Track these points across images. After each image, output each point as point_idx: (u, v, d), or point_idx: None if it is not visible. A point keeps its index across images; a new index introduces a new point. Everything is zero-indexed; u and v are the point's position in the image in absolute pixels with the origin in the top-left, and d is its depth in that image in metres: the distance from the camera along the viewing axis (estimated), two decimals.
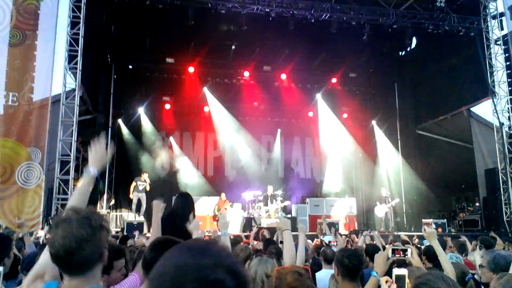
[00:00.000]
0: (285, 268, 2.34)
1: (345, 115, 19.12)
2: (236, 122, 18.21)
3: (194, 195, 14.30)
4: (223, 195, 14.17)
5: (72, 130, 10.92)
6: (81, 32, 11.25)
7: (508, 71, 13.69)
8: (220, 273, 0.86)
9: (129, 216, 14.78)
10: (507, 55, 13.78)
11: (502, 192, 13.24)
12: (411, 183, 16.67)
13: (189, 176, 17.14)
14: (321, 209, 15.07)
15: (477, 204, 14.49)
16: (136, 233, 8.39)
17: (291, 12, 12.75)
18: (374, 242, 6.40)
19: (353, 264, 2.88)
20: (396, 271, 2.26)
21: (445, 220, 14.29)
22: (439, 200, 16.25)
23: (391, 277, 2.31)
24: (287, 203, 14.35)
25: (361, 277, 2.98)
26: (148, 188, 13.52)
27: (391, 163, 17.94)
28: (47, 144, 10.71)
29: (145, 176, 13.75)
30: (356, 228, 15.04)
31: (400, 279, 2.23)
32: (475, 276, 3.65)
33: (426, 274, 1.93)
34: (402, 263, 2.92)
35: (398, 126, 18.24)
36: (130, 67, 17.13)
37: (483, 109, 15.09)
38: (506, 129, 13.61)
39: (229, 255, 0.93)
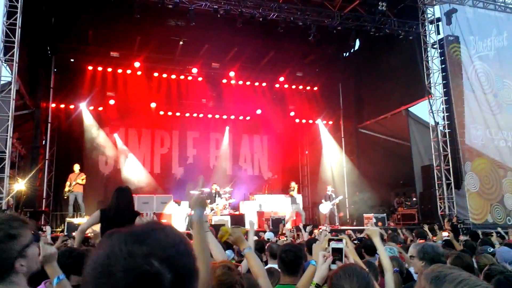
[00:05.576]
0: (215, 262, 2.32)
1: (292, 113, 19.48)
2: (183, 119, 18.01)
3: (141, 193, 14.16)
4: (76, 167, 13.13)
5: (8, 126, 10.30)
6: (18, 22, 10.61)
7: (443, 74, 14.51)
8: (154, 264, 0.77)
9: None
10: (442, 58, 14.62)
11: (437, 188, 14.05)
12: (353, 180, 17.28)
13: (135, 174, 16.72)
14: (269, 206, 15.24)
15: (414, 199, 15.30)
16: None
17: (239, 10, 12.78)
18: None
19: (289, 258, 3.00)
20: (333, 244, 2.32)
21: (385, 214, 14.98)
22: (379, 196, 16.97)
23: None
24: (232, 200, 14.47)
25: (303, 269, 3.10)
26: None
27: (335, 160, 18.52)
28: None
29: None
30: (303, 223, 15.35)
31: (336, 251, 2.29)
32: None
33: (340, 269, 2.00)
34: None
35: (342, 125, 18.84)
36: (72, 60, 16.36)
37: (420, 109, 15.95)
38: (441, 128, 14.45)
39: (174, 244, 0.82)
